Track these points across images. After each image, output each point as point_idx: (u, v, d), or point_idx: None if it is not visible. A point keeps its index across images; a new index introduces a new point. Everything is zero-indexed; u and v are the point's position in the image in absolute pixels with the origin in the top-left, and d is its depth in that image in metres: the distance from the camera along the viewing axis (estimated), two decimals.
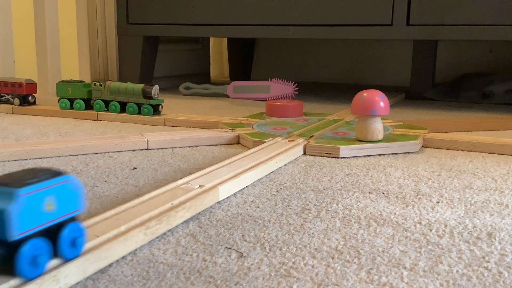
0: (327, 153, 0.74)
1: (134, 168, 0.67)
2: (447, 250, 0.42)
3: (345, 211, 0.51)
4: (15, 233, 0.31)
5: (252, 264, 0.38)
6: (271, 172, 0.65)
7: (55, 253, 0.34)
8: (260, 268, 0.38)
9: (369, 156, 0.75)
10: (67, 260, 0.35)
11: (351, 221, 0.48)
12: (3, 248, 0.31)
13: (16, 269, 0.31)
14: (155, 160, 0.72)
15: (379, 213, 0.50)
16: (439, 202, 0.54)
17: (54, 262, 0.34)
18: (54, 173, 0.34)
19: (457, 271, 0.38)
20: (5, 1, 1.39)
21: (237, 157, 0.66)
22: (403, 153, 0.77)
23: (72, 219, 0.35)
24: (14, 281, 0.32)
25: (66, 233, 0.35)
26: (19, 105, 1.15)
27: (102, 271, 0.37)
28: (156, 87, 1.03)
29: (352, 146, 0.74)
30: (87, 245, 0.37)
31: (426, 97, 1.48)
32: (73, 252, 0.35)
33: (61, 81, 1.12)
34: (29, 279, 0.32)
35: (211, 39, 2.02)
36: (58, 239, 0.34)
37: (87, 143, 0.75)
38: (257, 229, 0.46)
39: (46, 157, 0.72)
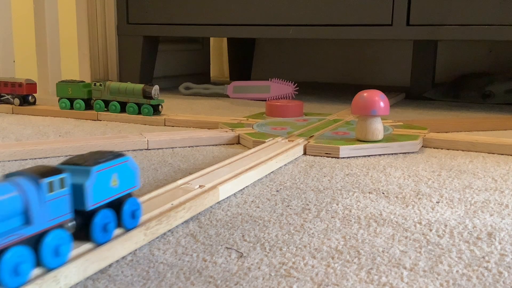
0: (327, 153, 0.74)
1: None
2: (447, 250, 0.42)
3: (345, 211, 0.51)
4: (90, 204, 0.36)
5: (252, 264, 0.38)
6: (271, 172, 0.65)
7: (119, 223, 0.40)
8: (260, 268, 0.38)
9: (369, 156, 0.75)
10: (128, 229, 0.41)
11: (351, 221, 0.48)
12: (80, 217, 0.36)
13: (91, 236, 0.37)
14: (155, 160, 0.72)
15: (379, 213, 0.50)
16: (439, 202, 0.54)
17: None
18: (117, 154, 0.40)
19: (457, 271, 0.38)
20: (5, 1, 1.39)
21: (237, 157, 0.66)
22: (403, 153, 0.77)
23: (130, 195, 0.41)
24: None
25: (127, 206, 0.40)
26: (19, 105, 1.15)
27: (102, 271, 0.37)
28: (156, 87, 1.03)
29: (352, 146, 0.74)
30: (87, 245, 0.37)
31: (426, 97, 1.48)
32: (133, 222, 0.41)
33: (61, 81, 1.12)
34: (100, 244, 0.38)
35: (211, 39, 2.03)
36: (121, 211, 0.39)
37: (87, 143, 0.75)
38: (257, 229, 0.46)
39: (46, 157, 0.72)
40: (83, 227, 0.37)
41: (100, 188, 0.37)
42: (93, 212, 0.37)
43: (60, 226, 0.35)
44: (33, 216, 0.32)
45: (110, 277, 0.36)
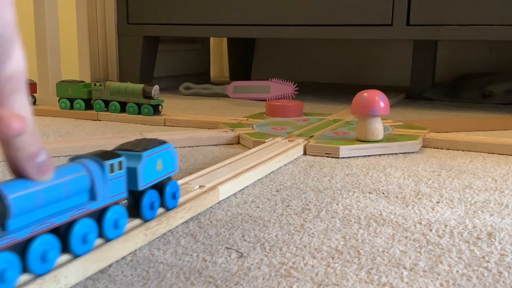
0: (327, 153, 0.74)
1: None
2: (447, 250, 0.42)
3: (345, 211, 0.51)
4: (141, 185, 0.41)
5: (252, 264, 0.39)
6: (271, 172, 0.65)
7: (162, 203, 0.45)
8: (260, 268, 0.38)
9: (369, 156, 0.75)
10: (169, 209, 0.45)
11: (351, 221, 0.48)
12: (131, 196, 0.41)
13: (140, 213, 0.42)
14: None
15: (379, 213, 0.50)
16: (439, 202, 0.54)
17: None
18: (161, 142, 0.45)
19: (457, 271, 0.38)
20: None
21: (237, 157, 0.66)
22: (403, 153, 0.77)
23: (170, 178, 0.45)
24: (22, 277, 0.32)
25: (169, 188, 0.45)
26: None
27: (102, 271, 0.37)
28: (156, 87, 1.03)
29: (352, 146, 0.74)
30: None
31: (426, 97, 1.48)
32: (173, 203, 0.46)
33: (61, 81, 1.12)
34: (148, 220, 0.43)
35: (211, 39, 2.03)
36: (163, 192, 0.44)
37: (87, 143, 0.75)
38: (257, 229, 0.46)
39: None
40: (134, 206, 0.42)
41: (148, 171, 0.42)
42: (143, 192, 0.42)
43: (117, 203, 0.40)
44: (97, 193, 0.37)
45: (110, 277, 0.36)
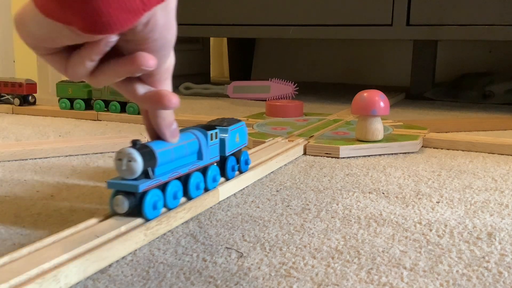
0: (327, 153, 0.74)
1: None
2: (447, 250, 0.42)
3: (345, 211, 0.51)
4: (227, 152, 0.53)
5: (252, 264, 0.39)
6: (271, 172, 0.65)
7: (239, 168, 0.57)
8: (260, 268, 0.38)
9: (369, 156, 0.75)
10: (242, 172, 0.58)
11: (351, 221, 0.48)
12: (220, 161, 0.53)
13: (225, 173, 0.54)
14: None
15: (379, 213, 0.50)
16: (439, 202, 0.54)
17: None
18: (237, 120, 0.57)
19: (457, 271, 0.38)
20: (5, 1, 1.39)
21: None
22: (403, 153, 0.77)
23: (242, 149, 0.58)
24: (18, 279, 0.32)
25: (243, 156, 0.58)
26: (19, 105, 1.15)
27: (102, 271, 0.37)
28: None
29: (352, 146, 0.74)
30: (88, 245, 0.37)
31: (426, 97, 1.48)
32: (246, 167, 0.59)
33: (61, 81, 1.12)
34: (230, 179, 0.55)
35: (211, 39, 2.03)
36: (239, 159, 0.57)
37: (87, 143, 0.75)
38: (257, 229, 0.46)
39: (46, 157, 0.72)
40: (221, 167, 0.53)
41: (231, 142, 0.54)
42: (227, 158, 0.54)
43: (213, 164, 0.51)
44: (203, 155, 0.49)
45: (110, 277, 0.36)
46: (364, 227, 0.46)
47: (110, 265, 0.38)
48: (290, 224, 0.47)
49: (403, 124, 0.93)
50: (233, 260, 0.39)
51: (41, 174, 0.64)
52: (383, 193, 0.57)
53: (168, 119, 0.43)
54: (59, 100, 1.11)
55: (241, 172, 0.58)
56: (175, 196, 0.45)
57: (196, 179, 0.48)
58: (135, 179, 0.41)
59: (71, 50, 0.37)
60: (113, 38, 0.34)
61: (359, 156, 0.74)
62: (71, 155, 0.74)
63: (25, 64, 1.58)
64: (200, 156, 0.49)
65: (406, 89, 1.58)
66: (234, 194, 0.56)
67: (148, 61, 0.36)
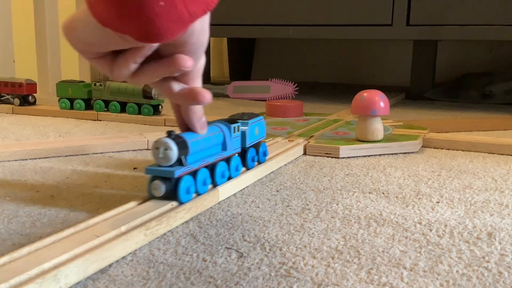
0: (327, 153, 0.74)
1: (134, 168, 0.67)
2: (447, 250, 0.42)
3: (345, 211, 0.51)
4: (247, 144, 0.58)
5: (252, 264, 0.39)
6: (271, 172, 0.65)
7: (258, 159, 0.62)
8: (260, 268, 0.38)
9: (369, 156, 0.75)
10: (261, 162, 0.63)
11: (351, 221, 0.48)
12: (241, 152, 0.58)
13: (246, 164, 0.59)
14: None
15: (379, 213, 0.50)
16: (439, 202, 0.54)
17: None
18: (257, 114, 0.61)
19: (457, 271, 0.38)
20: (5, 1, 1.39)
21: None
22: (403, 153, 0.77)
23: (260, 142, 0.62)
24: (18, 278, 0.32)
25: (261, 148, 0.62)
26: (19, 105, 1.15)
27: (102, 271, 0.37)
28: None
29: (352, 146, 0.74)
30: (87, 245, 0.37)
31: (426, 97, 1.48)
32: (264, 159, 0.63)
33: (61, 81, 1.12)
34: (250, 169, 0.60)
35: (211, 39, 2.02)
36: (258, 150, 0.62)
37: (87, 143, 0.75)
38: (257, 229, 0.46)
39: (46, 157, 0.72)
40: (242, 158, 0.58)
41: (251, 134, 0.59)
42: (247, 149, 0.59)
43: (235, 154, 0.56)
44: (227, 146, 0.54)
45: (110, 277, 0.36)
46: (364, 227, 0.46)
47: (110, 265, 0.38)
48: (290, 224, 0.47)
49: (403, 124, 0.93)
50: (233, 260, 0.39)
51: (41, 174, 0.64)
52: (383, 193, 0.57)
53: (199, 113, 0.48)
54: (59, 100, 1.11)
55: (259, 162, 0.63)
56: (204, 182, 0.50)
57: (221, 168, 0.53)
58: (170, 166, 0.46)
59: (116, 53, 0.41)
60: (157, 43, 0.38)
61: (359, 156, 0.74)
62: (71, 155, 0.74)
63: (25, 64, 1.58)
64: (224, 147, 0.54)
65: (406, 89, 1.58)
66: (234, 194, 0.56)
67: (187, 62, 0.40)
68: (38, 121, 1.05)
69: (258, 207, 0.52)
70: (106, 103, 1.07)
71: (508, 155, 0.76)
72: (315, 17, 1.32)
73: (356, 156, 0.74)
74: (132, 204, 0.47)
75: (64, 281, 0.34)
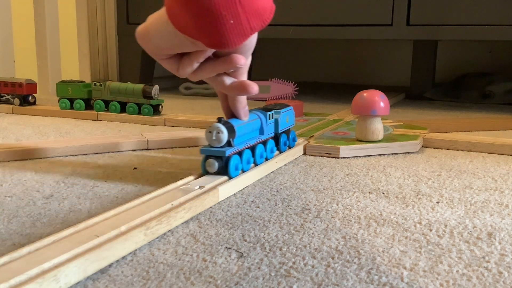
0: (327, 153, 0.74)
1: (134, 168, 0.67)
2: (447, 250, 0.42)
3: (345, 211, 0.51)
4: (280, 130, 0.66)
5: (252, 264, 0.39)
6: (271, 172, 0.65)
7: (288, 144, 0.71)
8: (260, 268, 0.38)
9: (369, 156, 0.75)
10: (291, 147, 0.71)
11: (351, 221, 0.48)
12: (274, 137, 0.66)
13: (279, 147, 0.68)
14: (155, 160, 0.72)
15: (379, 213, 0.50)
16: (439, 202, 0.54)
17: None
18: (287, 105, 0.70)
19: (457, 271, 0.38)
20: (5, 1, 1.39)
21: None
22: (403, 153, 0.77)
23: (290, 129, 0.71)
24: (18, 278, 0.32)
25: (291, 134, 0.71)
26: (19, 105, 1.15)
27: (102, 271, 0.37)
28: (156, 87, 1.03)
29: (352, 146, 0.74)
30: (87, 245, 0.37)
31: (426, 97, 1.48)
32: (293, 143, 0.72)
33: (61, 81, 1.12)
34: (283, 152, 0.69)
35: None
36: (288, 137, 0.70)
37: (87, 143, 0.75)
38: (257, 229, 0.46)
39: (46, 157, 0.72)
40: (275, 142, 0.67)
41: (283, 122, 0.67)
42: (280, 135, 0.67)
43: (270, 138, 0.65)
44: (264, 131, 0.62)
45: (110, 277, 0.36)
46: (364, 227, 0.46)
47: (110, 265, 0.38)
48: (290, 224, 0.47)
49: (403, 124, 0.93)
50: (233, 260, 0.39)
51: (41, 174, 0.64)
52: (383, 193, 0.57)
53: (243, 103, 0.57)
54: (59, 100, 1.11)
55: (289, 147, 0.71)
56: (248, 161, 0.59)
57: (260, 149, 0.62)
58: (221, 147, 0.54)
59: (181, 55, 0.50)
60: None
61: (359, 156, 0.74)
62: (71, 155, 0.74)
63: (25, 64, 1.58)
64: (262, 132, 0.62)
65: (406, 89, 1.58)
66: (234, 194, 0.56)
67: (241, 60, 0.49)
68: (38, 121, 1.05)
69: (258, 207, 0.52)
70: (106, 103, 1.07)
71: (508, 155, 0.76)
72: (315, 17, 1.32)
73: (356, 156, 0.74)
74: (132, 204, 0.47)
75: (64, 281, 0.34)
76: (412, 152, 0.77)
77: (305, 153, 0.75)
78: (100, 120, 1.06)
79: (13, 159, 0.71)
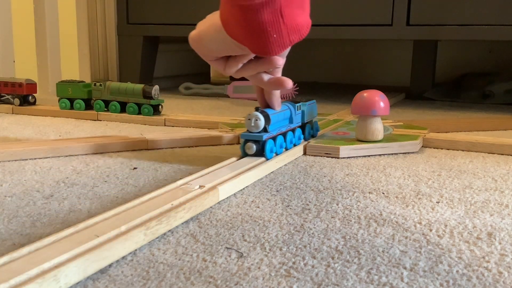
0: (327, 153, 0.74)
1: (134, 168, 0.67)
2: (447, 250, 0.42)
3: (345, 211, 0.51)
4: (305, 120, 0.75)
5: (252, 264, 0.39)
6: (271, 172, 0.65)
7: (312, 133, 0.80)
8: (260, 268, 0.38)
9: (369, 156, 0.75)
10: (314, 136, 0.80)
11: (351, 221, 0.48)
12: (301, 126, 0.75)
13: (305, 136, 0.77)
14: (155, 160, 0.72)
15: (379, 213, 0.50)
16: (439, 202, 0.54)
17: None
18: (311, 99, 0.79)
19: (457, 271, 0.38)
20: (5, 1, 1.39)
21: (237, 157, 0.66)
22: (403, 153, 0.77)
23: (313, 120, 0.80)
24: (18, 278, 0.32)
25: (315, 124, 0.81)
26: (19, 105, 1.15)
27: (102, 271, 0.37)
28: (156, 87, 1.03)
29: (352, 146, 0.74)
30: (87, 245, 0.37)
31: (426, 97, 1.48)
32: (316, 133, 0.81)
33: (61, 81, 1.12)
34: (307, 140, 0.77)
35: None
36: (313, 126, 0.80)
37: (87, 143, 0.75)
38: (257, 229, 0.46)
39: (46, 157, 0.72)
40: (302, 131, 0.76)
41: (308, 113, 0.76)
42: (305, 124, 0.76)
43: (297, 127, 0.73)
44: (293, 120, 0.71)
45: (110, 277, 0.36)
46: (364, 227, 0.46)
47: (110, 265, 0.38)
48: (290, 224, 0.47)
49: (403, 124, 0.93)
50: (233, 260, 0.39)
51: (41, 174, 0.64)
52: (383, 193, 0.57)
53: (277, 95, 0.66)
54: (59, 100, 1.11)
55: (313, 136, 0.80)
56: (281, 146, 0.68)
57: (289, 136, 0.71)
58: (258, 132, 0.63)
59: (227, 57, 0.59)
60: None
61: (359, 156, 0.74)
62: (71, 155, 0.74)
63: (25, 64, 1.58)
64: (291, 121, 0.71)
65: (406, 89, 1.58)
66: (234, 194, 0.56)
67: (279, 61, 0.58)
68: (38, 121, 1.05)
69: (258, 207, 0.52)
70: (106, 103, 1.07)
71: (508, 155, 0.76)
72: (315, 17, 1.31)
73: (356, 156, 0.74)
74: (132, 204, 0.47)
75: (64, 281, 0.34)
76: (412, 152, 0.77)
77: (305, 153, 0.75)
78: (100, 120, 1.06)
79: (13, 159, 0.71)
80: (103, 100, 1.07)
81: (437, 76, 1.67)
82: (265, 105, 0.66)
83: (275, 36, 0.49)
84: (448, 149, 0.80)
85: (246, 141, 0.64)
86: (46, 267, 0.34)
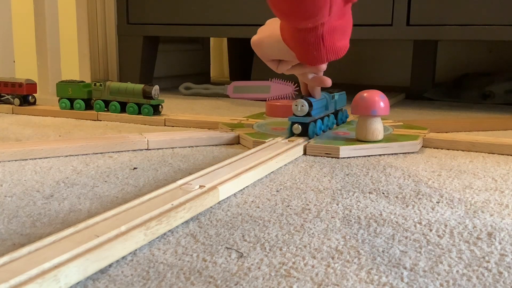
0: (327, 153, 0.74)
1: (134, 168, 0.67)
2: (447, 250, 0.42)
3: (345, 211, 0.51)
4: (337, 107, 0.89)
5: (252, 264, 0.39)
6: (271, 172, 0.65)
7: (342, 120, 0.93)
8: (260, 268, 0.38)
9: (369, 156, 0.75)
10: (344, 122, 0.94)
11: (351, 221, 0.48)
12: (334, 113, 0.89)
13: (337, 121, 0.90)
14: (155, 160, 0.72)
15: (379, 213, 0.50)
16: (439, 202, 0.54)
17: None
18: (341, 89, 0.91)
19: (457, 271, 0.38)
20: (5, 1, 1.39)
21: (237, 157, 0.66)
22: (403, 153, 0.77)
23: (343, 108, 0.93)
24: (18, 279, 0.32)
25: (345, 113, 0.94)
26: (19, 105, 1.15)
27: (102, 271, 0.37)
28: (156, 87, 1.03)
29: (352, 146, 0.74)
30: (87, 245, 0.37)
31: (426, 97, 1.48)
32: (345, 120, 0.94)
33: (61, 81, 1.12)
34: (339, 124, 0.91)
35: (211, 39, 2.02)
36: (343, 114, 0.93)
37: (87, 143, 0.75)
38: (257, 229, 0.46)
39: (46, 157, 0.72)
40: (334, 119, 0.89)
41: (339, 101, 0.90)
42: (338, 112, 0.90)
43: (331, 114, 0.86)
44: (328, 107, 0.84)
45: (110, 277, 0.36)
46: (364, 227, 0.46)
47: (110, 265, 0.38)
48: (290, 224, 0.47)
49: (403, 124, 0.93)
50: (233, 260, 0.39)
51: (41, 174, 0.64)
52: (383, 193, 0.57)
53: (318, 88, 0.79)
54: (59, 100, 1.11)
55: (343, 122, 0.93)
56: (320, 128, 0.81)
57: (326, 120, 0.83)
58: (303, 117, 0.77)
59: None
60: None
61: (359, 156, 0.74)
62: (71, 155, 0.74)
63: (25, 64, 1.58)
64: (327, 108, 0.83)
65: (406, 89, 1.58)
66: (234, 194, 0.56)
67: (322, 67, 0.71)
68: (38, 121, 1.05)
69: (258, 207, 0.52)
70: (106, 103, 1.07)
71: (508, 155, 0.76)
72: None
73: (356, 156, 0.74)
74: (132, 204, 0.47)
75: (64, 281, 0.34)
76: (412, 152, 0.77)
77: (305, 153, 0.75)
78: (100, 120, 1.06)
79: (13, 159, 0.71)
80: (103, 100, 1.07)
81: (437, 76, 1.67)
82: (308, 94, 0.79)
83: (315, 53, 0.63)
84: (448, 149, 0.80)
85: (293, 123, 0.78)
86: (46, 267, 0.34)
